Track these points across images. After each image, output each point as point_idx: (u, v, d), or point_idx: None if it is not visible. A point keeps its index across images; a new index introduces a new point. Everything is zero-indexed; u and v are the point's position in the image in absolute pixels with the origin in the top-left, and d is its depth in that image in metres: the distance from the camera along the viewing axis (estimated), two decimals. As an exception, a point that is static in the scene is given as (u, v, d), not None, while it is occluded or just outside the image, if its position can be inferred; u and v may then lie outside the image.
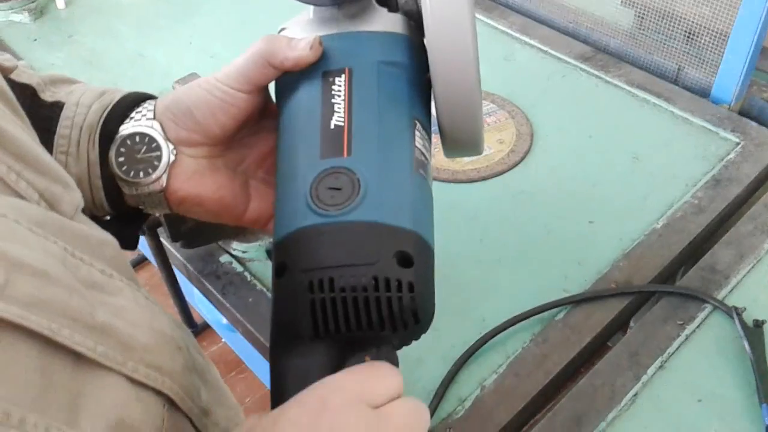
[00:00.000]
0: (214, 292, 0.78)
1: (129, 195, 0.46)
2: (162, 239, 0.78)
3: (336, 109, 0.40)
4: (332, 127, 0.39)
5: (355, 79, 0.41)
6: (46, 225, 0.33)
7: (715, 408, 0.65)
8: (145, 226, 0.73)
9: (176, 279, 0.83)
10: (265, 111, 0.48)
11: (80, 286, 0.33)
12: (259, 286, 0.78)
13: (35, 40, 1.20)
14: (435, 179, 0.89)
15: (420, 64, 0.43)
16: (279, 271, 0.38)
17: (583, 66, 1.05)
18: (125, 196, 0.46)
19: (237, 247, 0.80)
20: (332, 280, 0.36)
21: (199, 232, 0.76)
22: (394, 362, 0.39)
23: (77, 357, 0.31)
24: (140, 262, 1.94)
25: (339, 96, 0.40)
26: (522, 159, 0.92)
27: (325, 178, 0.38)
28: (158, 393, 0.36)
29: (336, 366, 0.37)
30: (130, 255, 1.98)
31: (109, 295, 0.35)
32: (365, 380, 0.35)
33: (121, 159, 0.45)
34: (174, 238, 0.74)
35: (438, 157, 0.91)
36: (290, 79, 0.43)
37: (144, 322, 0.37)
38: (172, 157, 0.45)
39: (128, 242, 0.48)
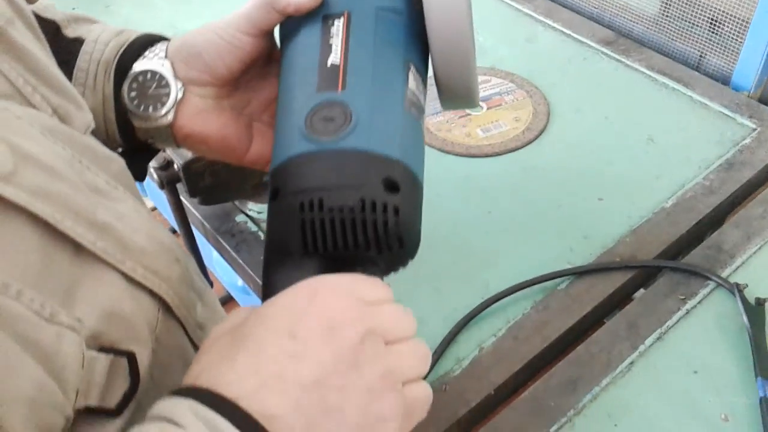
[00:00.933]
0: (228, 249, 0.80)
1: (139, 128, 0.49)
2: (181, 196, 0.81)
3: (333, 48, 0.42)
4: (329, 64, 0.42)
5: (353, 22, 0.43)
6: (56, 133, 0.36)
7: (710, 380, 0.66)
8: (165, 180, 0.76)
9: (194, 237, 0.86)
10: (271, 57, 0.50)
11: (84, 187, 0.36)
12: (271, 245, 0.80)
13: (73, 8, 1.24)
14: (449, 153, 0.91)
15: (418, 13, 0.45)
16: (273, 195, 0.40)
17: (604, 50, 1.06)
18: (136, 129, 0.50)
19: (252, 207, 0.83)
20: (321, 201, 0.38)
21: (216, 189, 0.79)
22: None
23: (77, 249, 0.34)
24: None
25: (337, 37, 0.42)
26: (536, 137, 0.93)
27: (320, 109, 0.40)
28: (154, 295, 0.39)
29: None
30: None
31: (112, 201, 0.38)
32: (358, 281, 0.37)
33: (133, 94, 0.49)
34: (192, 194, 0.77)
35: (453, 132, 0.93)
36: (293, 23, 0.45)
37: (143, 228, 0.39)
38: (180, 95, 0.48)
39: (137, 174, 0.51)
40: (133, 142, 0.51)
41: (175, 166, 0.75)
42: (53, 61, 0.42)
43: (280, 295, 0.36)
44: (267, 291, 0.40)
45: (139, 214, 0.40)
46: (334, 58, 0.42)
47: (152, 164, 0.77)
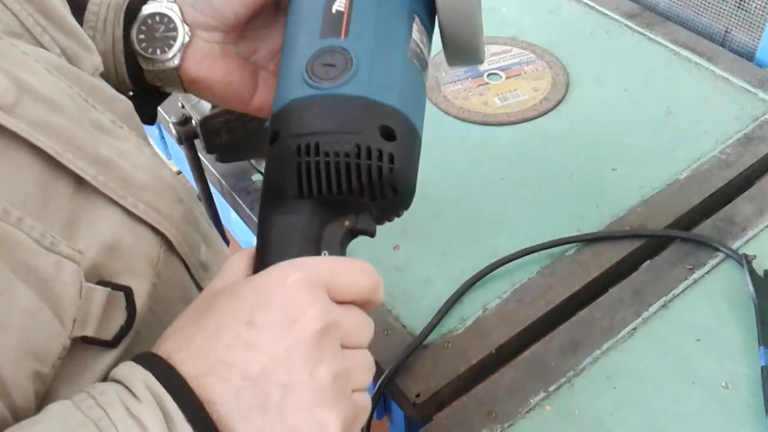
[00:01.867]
0: (243, 205, 0.82)
1: (147, 71, 0.51)
2: (199, 153, 0.82)
3: None
4: (333, 11, 0.43)
5: None
6: (63, 71, 0.38)
7: (713, 348, 0.66)
8: (183, 136, 0.78)
9: (211, 194, 0.88)
10: (279, 6, 0.51)
11: (87, 123, 0.37)
12: (285, 204, 0.82)
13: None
14: (465, 120, 0.91)
15: None
16: (272, 139, 0.41)
17: (628, 23, 1.05)
18: (144, 72, 0.51)
19: (268, 167, 0.85)
20: (318, 145, 0.39)
21: (233, 147, 0.80)
22: (371, 231, 0.42)
23: (79, 182, 0.36)
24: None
25: None
26: (554, 107, 0.93)
27: (322, 55, 0.41)
28: (156, 232, 0.40)
29: (318, 226, 0.41)
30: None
31: (116, 138, 0.40)
32: (337, 271, 0.36)
33: (142, 36, 0.50)
34: (209, 150, 0.79)
35: (471, 100, 0.93)
36: None
37: (146, 166, 0.41)
38: (187, 38, 0.49)
39: (146, 117, 0.53)
40: (142, 85, 0.52)
41: (193, 122, 0.77)
42: (65, 4, 0.43)
43: (257, 275, 0.36)
44: (262, 237, 0.41)
45: (142, 152, 0.42)
46: (339, 4, 0.43)
47: (171, 120, 0.78)
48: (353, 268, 0.37)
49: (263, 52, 0.52)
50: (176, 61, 0.50)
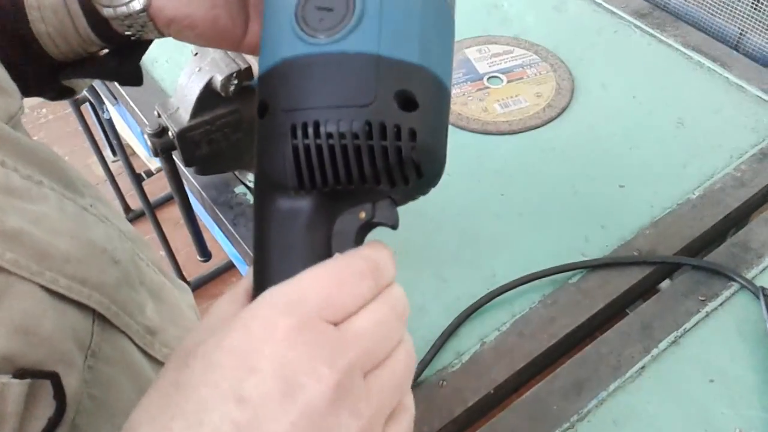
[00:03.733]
0: (225, 222, 0.77)
1: (112, 19, 0.41)
2: (177, 163, 0.77)
3: None
4: None
5: None
6: None
7: (726, 390, 0.62)
8: (159, 148, 0.72)
9: (190, 205, 0.82)
10: None
11: None
12: (270, 220, 0.76)
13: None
14: (463, 128, 0.86)
15: None
16: (261, 111, 0.32)
17: (637, 22, 0.99)
18: (110, 22, 0.41)
19: (252, 179, 0.79)
20: (317, 124, 0.30)
21: (214, 159, 0.74)
22: (393, 220, 0.32)
23: None
24: (170, 199, 1.96)
25: None
26: (558, 115, 0.87)
27: None
28: (84, 307, 0.35)
29: (325, 222, 0.32)
30: (165, 189, 2.01)
31: (29, 201, 0.34)
32: (328, 287, 0.28)
33: None
34: (187, 163, 0.73)
35: (469, 106, 0.88)
36: None
37: (67, 231, 0.35)
38: None
39: (130, 77, 0.45)
40: (112, 37, 0.42)
41: (170, 134, 0.71)
42: None
43: (231, 330, 0.27)
44: (258, 238, 0.33)
45: (63, 212, 0.35)
46: None
47: (146, 131, 0.73)
48: (350, 271, 0.29)
49: None
50: (142, 1, 0.39)
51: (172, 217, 1.98)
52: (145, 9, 0.40)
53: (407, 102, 0.30)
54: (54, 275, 0.33)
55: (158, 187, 1.97)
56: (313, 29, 0.30)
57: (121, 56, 0.44)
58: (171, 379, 0.28)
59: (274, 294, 0.28)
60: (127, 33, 0.42)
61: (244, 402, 0.25)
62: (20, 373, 0.31)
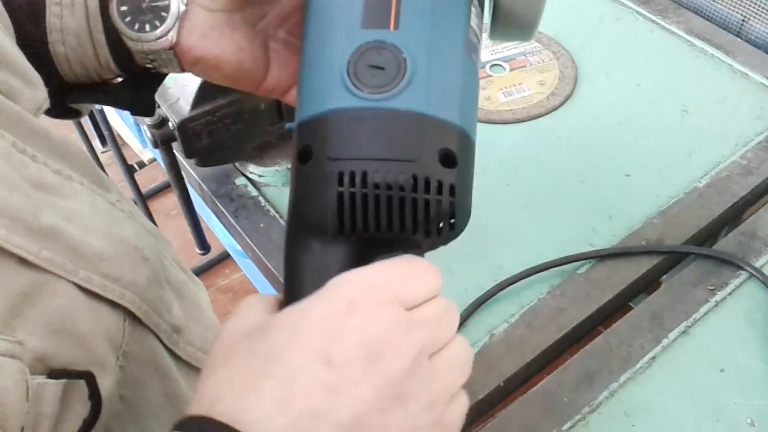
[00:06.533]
0: (227, 214, 0.75)
1: (136, 52, 0.41)
2: (176, 154, 0.75)
3: None
4: None
5: None
6: None
7: (737, 379, 0.61)
8: (159, 139, 0.70)
9: (189, 197, 0.81)
10: None
11: (24, 184, 0.30)
12: (272, 212, 0.75)
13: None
14: (467, 117, 0.84)
15: None
16: (303, 156, 0.33)
17: (639, 9, 0.98)
18: (133, 54, 0.41)
19: (253, 170, 0.78)
20: (365, 174, 0.31)
21: (215, 150, 0.73)
22: None
23: (19, 260, 0.29)
24: (166, 187, 1.94)
25: None
26: (562, 103, 0.86)
27: (366, 53, 0.33)
28: (116, 305, 0.34)
29: (360, 264, 0.33)
30: (155, 180, 1.99)
31: (62, 197, 0.33)
32: (401, 278, 0.31)
33: (124, 8, 0.40)
34: (188, 155, 0.72)
35: (472, 94, 0.86)
36: None
37: (101, 228, 0.34)
38: (183, 7, 0.39)
39: (144, 108, 0.44)
40: (131, 68, 0.42)
41: (170, 125, 0.70)
42: (4, 27, 0.36)
43: (312, 302, 0.30)
44: (292, 280, 0.34)
45: (95, 208, 0.35)
46: None
47: (146, 121, 0.71)
48: (415, 270, 0.32)
49: (272, 18, 0.43)
50: (171, 38, 0.39)
51: (163, 208, 1.96)
52: (173, 47, 0.40)
53: (448, 159, 0.32)
54: (88, 274, 0.32)
55: (148, 177, 1.95)
56: (365, 85, 0.32)
57: (136, 86, 0.44)
58: (244, 348, 0.29)
59: (353, 276, 0.30)
60: (148, 66, 0.42)
61: (331, 364, 0.28)
62: (55, 374, 0.30)
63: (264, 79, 0.43)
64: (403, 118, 0.32)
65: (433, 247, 0.36)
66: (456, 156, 0.33)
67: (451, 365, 0.31)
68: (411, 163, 0.32)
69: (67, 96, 0.42)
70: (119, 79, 0.44)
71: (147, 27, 0.40)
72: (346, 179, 0.31)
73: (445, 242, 0.35)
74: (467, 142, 0.34)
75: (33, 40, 0.39)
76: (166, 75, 0.45)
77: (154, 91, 0.46)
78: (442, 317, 0.31)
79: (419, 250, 0.34)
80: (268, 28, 0.43)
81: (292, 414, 0.27)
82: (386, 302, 0.29)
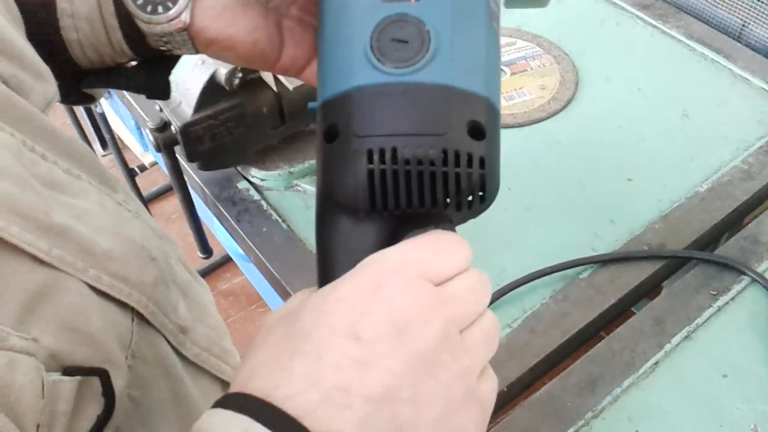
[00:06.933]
0: (229, 218, 0.75)
1: (149, 35, 0.40)
2: (179, 158, 0.75)
3: None
4: None
5: None
6: (4, 114, 0.31)
7: (740, 384, 0.61)
8: (162, 143, 0.70)
9: (192, 201, 0.81)
10: None
11: (35, 183, 0.30)
12: (274, 216, 0.75)
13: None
14: (468, 121, 0.85)
15: None
16: (329, 135, 0.32)
17: (639, 14, 0.98)
18: (147, 37, 0.41)
19: (256, 174, 0.78)
20: (395, 150, 0.31)
21: (217, 154, 0.73)
22: None
23: (31, 258, 0.29)
24: (167, 191, 1.93)
25: None
26: (563, 107, 0.86)
27: (389, 26, 0.32)
28: (124, 305, 0.34)
29: (391, 241, 0.33)
30: (156, 183, 1.98)
31: (72, 196, 0.33)
32: (429, 255, 0.30)
33: None
34: (190, 159, 0.72)
35: (474, 99, 0.87)
36: None
37: (109, 227, 0.34)
38: None
39: (159, 91, 0.44)
40: (145, 51, 0.42)
41: (173, 128, 0.70)
42: (12, 20, 0.36)
43: (339, 283, 0.30)
44: (324, 261, 0.34)
45: (103, 208, 0.35)
46: None
47: (148, 125, 0.71)
48: (443, 246, 0.31)
49: None
50: (184, 20, 0.39)
51: (164, 212, 1.96)
52: (186, 28, 0.39)
53: (477, 131, 0.32)
54: (97, 273, 0.32)
55: (149, 181, 1.95)
56: (390, 59, 0.32)
57: (150, 69, 0.43)
58: (278, 330, 0.29)
59: (380, 257, 0.30)
60: (161, 48, 0.42)
61: (360, 340, 0.28)
62: (70, 371, 0.30)
63: (279, 58, 0.42)
64: (430, 92, 0.31)
65: (464, 220, 0.35)
66: (484, 128, 0.32)
67: (481, 339, 0.31)
68: (440, 137, 0.31)
69: (81, 81, 0.42)
70: (133, 63, 0.44)
71: (159, 9, 0.39)
72: (375, 156, 0.31)
73: (475, 215, 0.35)
74: (494, 113, 0.33)
75: (46, 28, 0.39)
76: (179, 57, 0.45)
77: (169, 73, 0.45)
78: (472, 292, 0.31)
79: (450, 224, 0.34)
80: (281, 6, 0.43)
81: (322, 389, 0.26)
82: (413, 279, 0.29)
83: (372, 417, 0.27)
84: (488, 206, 0.34)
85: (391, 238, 0.33)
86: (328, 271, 0.33)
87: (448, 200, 0.32)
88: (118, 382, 0.33)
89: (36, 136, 0.32)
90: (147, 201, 1.72)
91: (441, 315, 0.29)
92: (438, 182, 0.31)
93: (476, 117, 0.32)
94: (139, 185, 1.56)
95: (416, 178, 0.31)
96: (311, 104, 0.36)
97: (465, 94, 0.32)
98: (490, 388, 0.31)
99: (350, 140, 0.32)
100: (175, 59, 0.44)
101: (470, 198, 0.32)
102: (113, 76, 0.43)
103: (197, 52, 0.42)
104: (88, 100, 0.44)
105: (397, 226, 0.33)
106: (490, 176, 0.32)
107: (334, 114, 0.33)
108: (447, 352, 0.29)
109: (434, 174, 0.31)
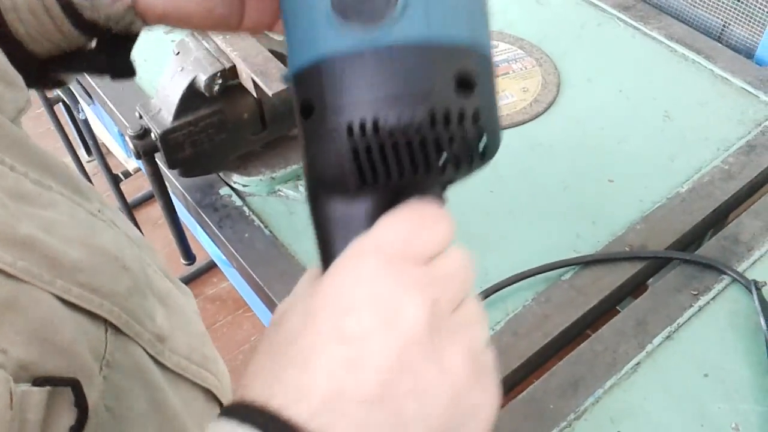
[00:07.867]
0: (211, 224, 0.75)
1: (97, 19, 0.38)
2: (160, 165, 0.75)
3: None
4: None
5: None
6: None
7: (721, 384, 0.61)
8: (141, 150, 0.70)
9: (174, 208, 0.80)
10: None
11: (1, 195, 0.30)
12: (257, 221, 0.75)
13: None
14: (451, 124, 0.85)
15: None
16: (305, 111, 0.30)
17: (620, 15, 0.99)
18: (95, 21, 0.39)
19: (238, 180, 0.78)
20: (377, 121, 0.28)
21: (198, 160, 0.73)
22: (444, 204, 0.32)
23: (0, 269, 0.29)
24: (152, 196, 1.92)
25: None
26: (545, 110, 0.87)
27: None
28: (96, 316, 0.34)
29: (385, 211, 0.31)
30: (141, 189, 1.97)
31: (41, 207, 0.33)
32: (407, 232, 0.28)
33: None
34: (171, 165, 0.72)
35: (456, 102, 0.87)
36: None
37: (79, 237, 0.34)
38: None
39: (122, 71, 0.42)
40: (99, 34, 0.40)
41: (153, 136, 0.69)
42: None
43: (326, 278, 0.28)
44: (322, 240, 0.32)
45: (74, 218, 0.34)
46: None
47: (128, 132, 0.71)
48: (425, 219, 0.29)
49: None
50: (126, 0, 0.37)
51: (150, 217, 1.95)
52: (132, 6, 0.38)
53: (465, 84, 0.29)
54: (66, 284, 0.32)
55: (134, 187, 1.94)
56: (354, 20, 0.28)
57: (110, 50, 0.42)
58: (272, 339, 0.29)
59: (358, 243, 0.29)
60: (114, 30, 0.40)
61: (346, 340, 0.26)
62: (39, 381, 0.29)
63: (242, 20, 0.40)
64: (405, 50, 0.28)
65: (467, 174, 0.32)
66: (473, 78, 0.29)
67: (474, 315, 0.29)
68: (424, 99, 0.28)
69: (47, 70, 0.41)
70: (93, 45, 0.42)
71: None
72: (356, 130, 0.28)
73: (478, 168, 0.32)
74: (483, 60, 0.30)
75: None
76: (138, 34, 0.43)
77: (130, 51, 0.43)
78: (459, 270, 0.29)
79: (440, 187, 0.32)
80: None
81: (315, 398, 0.26)
82: (393, 261, 0.28)
83: (372, 419, 0.25)
84: (492, 158, 0.32)
85: (389, 207, 0.30)
86: (328, 254, 0.31)
87: (445, 164, 0.29)
88: (92, 393, 0.33)
89: (6, 148, 0.32)
90: (132, 207, 1.71)
91: (428, 293, 0.27)
92: (430, 148, 0.28)
93: (463, 68, 0.29)
94: (124, 191, 1.55)
95: (404, 146, 0.28)
96: (282, 73, 0.33)
97: (446, 46, 0.29)
98: (490, 359, 0.30)
99: (326, 115, 0.29)
100: (133, 37, 0.43)
101: (469, 157, 0.29)
102: (74, 61, 0.41)
103: (151, 27, 0.40)
104: (60, 84, 0.43)
105: (394, 196, 0.30)
106: (488, 127, 0.29)
107: (305, 88, 0.30)
108: (443, 332, 0.27)
109: (424, 140, 0.28)
